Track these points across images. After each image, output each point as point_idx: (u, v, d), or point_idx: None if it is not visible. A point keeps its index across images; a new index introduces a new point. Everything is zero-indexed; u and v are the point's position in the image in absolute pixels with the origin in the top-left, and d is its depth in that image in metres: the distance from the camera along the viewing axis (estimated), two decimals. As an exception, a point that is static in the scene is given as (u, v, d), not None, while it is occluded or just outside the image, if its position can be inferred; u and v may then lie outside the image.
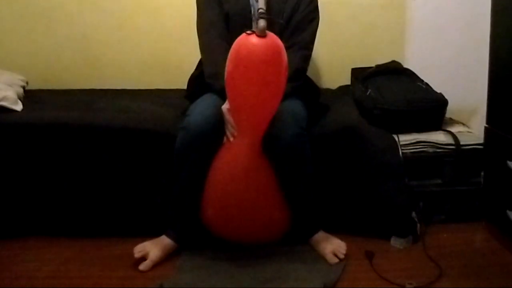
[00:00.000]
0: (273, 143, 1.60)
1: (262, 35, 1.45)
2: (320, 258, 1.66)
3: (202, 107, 1.66)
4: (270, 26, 1.78)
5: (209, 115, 1.61)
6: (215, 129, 1.61)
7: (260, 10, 1.48)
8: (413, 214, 1.80)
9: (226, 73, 1.52)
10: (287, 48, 1.71)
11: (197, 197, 1.66)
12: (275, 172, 1.64)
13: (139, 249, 1.64)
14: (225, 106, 1.62)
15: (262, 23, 1.44)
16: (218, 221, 1.68)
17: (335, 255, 1.65)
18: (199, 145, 1.60)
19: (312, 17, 1.82)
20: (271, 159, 1.63)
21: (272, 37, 1.49)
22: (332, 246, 1.68)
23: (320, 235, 1.73)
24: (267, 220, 1.67)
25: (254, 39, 1.46)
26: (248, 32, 1.47)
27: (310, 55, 1.80)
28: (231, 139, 1.61)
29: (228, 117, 1.61)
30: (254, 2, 1.80)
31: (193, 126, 1.60)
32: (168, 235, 1.69)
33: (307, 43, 1.78)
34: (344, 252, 1.67)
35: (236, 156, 1.61)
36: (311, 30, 1.80)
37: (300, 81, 1.77)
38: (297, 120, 1.64)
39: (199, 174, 1.64)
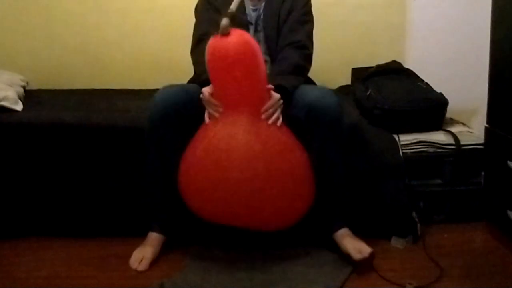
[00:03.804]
0: (318, 111, 1.57)
1: (223, 33, 1.45)
2: (326, 261, 1.63)
3: (169, 86, 1.67)
4: (266, 28, 1.81)
5: (172, 92, 1.62)
6: (180, 106, 1.60)
7: (229, 11, 1.48)
8: (414, 214, 1.80)
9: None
10: (283, 47, 1.74)
11: (173, 180, 1.62)
12: (316, 147, 1.59)
13: (134, 259, 1.63)
14: (206, 89, 1.57)
15: (224, 21, 1.44)
16: (217, 207, 1.56)
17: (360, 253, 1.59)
18: (164, 123, 1.59)
19: (305, 20, 1.81)
20: (314, 132, 1.59)
21: (236, 34, 1.47)
22: (358, 244, 1.62)
23: (347, 231, 1.67)
24: (280, 202, 1.54)
25: (217, 40, 1.47)
26: (215, 33, 1.48)
27: (310, 55, 1.79)
28: (217, 115, 1.54)
29: (208, 97, 1.55)
30: (251, 12, 1.83)
31: (156, 103, 1.60)
32: (153, 229, 1.70)
33: (304, 43, 1.76)
34: (368, 252, 1.58)
35: (234, 133, 1.51)
36: (305, 31, 1.79)
37: (302, 76, 1.74)
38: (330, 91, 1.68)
39: (168, 155, 1.62)
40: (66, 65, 2.44)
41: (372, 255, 1.60)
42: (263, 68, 1.55)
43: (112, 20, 2.40)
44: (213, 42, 1.48)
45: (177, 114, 1.60)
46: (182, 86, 1.69)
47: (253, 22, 1.83)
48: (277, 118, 1.55)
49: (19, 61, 2.40)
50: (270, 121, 1.53)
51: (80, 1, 2.38)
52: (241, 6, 1.78)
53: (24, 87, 2.13)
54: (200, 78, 1.67)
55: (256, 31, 1.83)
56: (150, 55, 2.44)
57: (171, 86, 1.68)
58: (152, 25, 2.42)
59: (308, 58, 1.78)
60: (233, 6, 1.50)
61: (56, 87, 2.36)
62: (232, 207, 1.53)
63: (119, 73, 2.45)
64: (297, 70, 1.72)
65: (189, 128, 1.60)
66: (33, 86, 2.28)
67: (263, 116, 1.53)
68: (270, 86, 1.56)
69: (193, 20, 1.84)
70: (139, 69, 2.45)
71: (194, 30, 1.81)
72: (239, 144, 1.50)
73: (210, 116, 1.56)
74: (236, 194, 1.50)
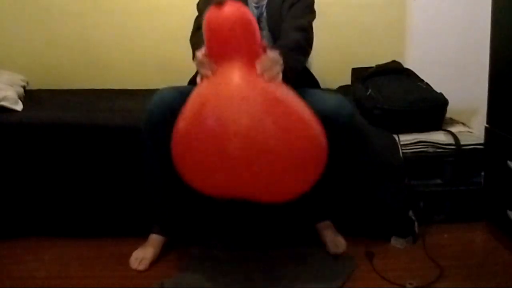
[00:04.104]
0: (333, 121, 1.55)
1: (218, 4, 1.40)
2: (326, 262, 1.65)
3: (164, 90, 1.64)
4: (270, 26, 1.79)
5: (168, 97, 1.60)
6: (176, 112, 1.53)
7: None
8: (410, 213, 1.80)
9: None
10: (286, 30, 1.71)
11: (172, 183, 1.63)
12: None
13: (134, 259, 1.64)
14: (199, 51, 1.46)
15: None
16: (215, 177, 1.40)
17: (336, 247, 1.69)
18: (160, 128, 1.58)
19: (307, 11, 1.80)
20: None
21: (230, 4, 1.41)
22: (337, 239, 1.71)
23: (327, 224, 1.75)
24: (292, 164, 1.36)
25: (212, 11, 1.40)
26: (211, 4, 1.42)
27: (311, 39, 1.74)
28: (210, 73, 1.42)
29: (202, 58, 1.44)
30: (254, 9, 1.81)
31: (152, 108, 1.59)
32: (154, 231, 1.70)
33: (305, 27, 1.73)
34: (343, 249, 1.69)
35: (229, 87, 1.37)
36: (307, 19, 1.76)
37: (303, 56, 1.69)
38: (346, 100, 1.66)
39: (167, 159, 1.57)
40: (66, 65, 2.44)
41: (373, 255, 1.62)
42: (258, 33, 1.47)
43: (112, 20, 2.40)
44: (209, 14, 1.43)
45: (174, 118, 1.55)
46: (178, 88, 1.67)
47: (256, 20, 1.81)
48: (275, 75, 1.40)
49: (19, 61, 2.40)
50: (266, 77, 1.37)
51: (80, 1, 2.38)
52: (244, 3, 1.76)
53: (24, 87, 2.13)
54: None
55: (259, 28, 1.81)
56: (150, 55, 2.44)
57: (167, 89, 1.65)
58: (152, 25, 2.42)
59: (309, 41, 1.72)
60: None
61: (56, 87, 2.37)
62: (231, 175, 1.36)
63: (119, 73, 2.45)
64: (298, 48, 1.66)
65: None
66: (33, 86, 2.28)
67: (258, 70, 1.38)
68: (266, 44, 1.49)
69: (193, 20, 1.83)
70: (139, 69, 2.45)
71: (194, 22, 1.79)
72: (236, 99, 1.34)
73: (203, 78, 1.45)
74: (234, 161, 1.32)
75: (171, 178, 1.61)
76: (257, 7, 1.82)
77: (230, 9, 1.41)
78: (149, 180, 1.69)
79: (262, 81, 1.38)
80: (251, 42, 1.44)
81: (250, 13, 1.45)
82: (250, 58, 1.41)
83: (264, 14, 1.82)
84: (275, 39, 1.80)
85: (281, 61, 1.45)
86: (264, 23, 1.82)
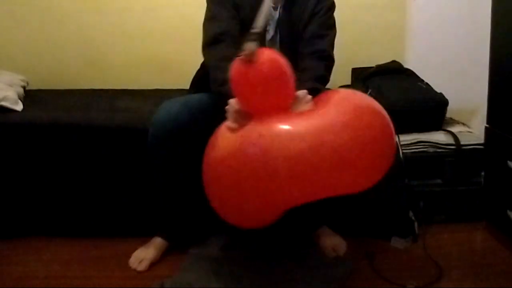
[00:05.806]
0: None
1: (250, 59, 1.22)
2: (326, 262, 1.65)
3: (170, 103, 1.60)
4: (288, 36, 1.68)
5: (173, 113, 1.55)
6: (183, 126, 1.54)
7: (254, 30, 1.27)
8: (411, 213, 1.80)
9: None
10: (307, 55, 1.61)
11: (180, 194, 1.65)
12: None
13: (135, 258, 1.64)
14: (232, 107, 1.36)
15: (250, 46, 1.22)
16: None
17: (334, 251, 1.69)
18: (167, 143, 1.56)
19: (330, 23, 1.72)
20: None
21: (264, 57, 1.25)
22: (333, 243, 1.71)
23: (324, 230, 1.76)
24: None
25: (242, 66, 1.24)
26: (240, 55, 1.26)
27: (332, 66, 1.68)
28: (241, 124, 1.31)
29: (234, 112, 1.34)
30: (272, 11, 1.68)
31: (158, 123, 1.56)
32: (159, 234, 1.70)
33: (329, 54, 1.66)
34: (343, 251, 1.69)
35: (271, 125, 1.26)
36: (330, 37, 1.70)
37: (324, 84, 1.63)
38: None
39: (174, 173, 1.61)
40: (66, 65, 2.44)
41: (373, 255, 1.63)
42: (293, 81, 1.35)
43: (112, 20, 2.40)
44: (238, 69, 1.27)
45: (180, 132, 1.55)
46: (183, 101, 1.61)
47: (271, 23, 1.70)
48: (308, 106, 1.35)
49: (19, 61, 2.40)
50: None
51: (80, 1, 2.38)
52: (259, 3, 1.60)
53: (24, 87, 2.13)
54: (220, 90, 1.48)
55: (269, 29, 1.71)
56: (150, 55, 2.44)
57: (172, 102, 1.60)
58: (152, 25, 2.41)
59: (331, 69, 1.68)
60: (260, 23, 1.29)
61: (56, 87, 2.36)
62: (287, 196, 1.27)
63: (119, 73, 2.45)
64: (322, 81, 1.61)
65: (195, 143, 1.52)
66: (33, 86, 2.28)
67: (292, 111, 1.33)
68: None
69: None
70: (139, 69, 2.45)
71: (206, 26, 1.65)
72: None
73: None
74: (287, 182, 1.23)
75: (178, 189, 1.64)
76: (275, 8, 1.69)
77: (266, 65, 1.25)
78: (157, 191, 1.68)
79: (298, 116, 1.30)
80: (285, 90, 1.33)
81: (284, 61, 1.30)
82: (283, 103, 1.32)
83: (280, 15, 1.69)
84: (288, 42, 1.69)
85: (309, 98, 1.37)
86: (280, 25, 1.70)
